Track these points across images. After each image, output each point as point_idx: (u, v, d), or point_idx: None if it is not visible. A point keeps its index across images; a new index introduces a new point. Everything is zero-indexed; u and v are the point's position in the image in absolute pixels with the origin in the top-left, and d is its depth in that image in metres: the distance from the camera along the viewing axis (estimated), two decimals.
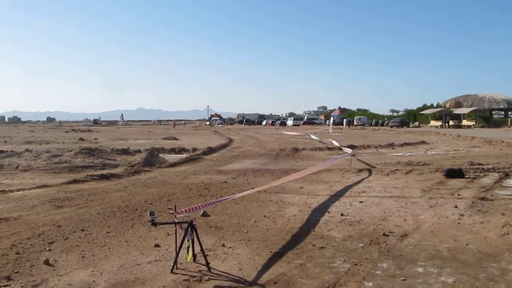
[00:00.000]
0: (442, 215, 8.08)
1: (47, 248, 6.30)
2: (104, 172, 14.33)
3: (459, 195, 9.99)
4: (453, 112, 65.53)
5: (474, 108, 65.94)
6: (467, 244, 6.31)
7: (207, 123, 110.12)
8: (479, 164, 15.06)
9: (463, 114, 64.45)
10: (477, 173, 13.10)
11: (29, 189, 11.40)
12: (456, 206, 8.72)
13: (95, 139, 35.20)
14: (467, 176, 12.51)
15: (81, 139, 33.82)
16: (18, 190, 11.28)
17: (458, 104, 70.79)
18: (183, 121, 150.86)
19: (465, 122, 61.92)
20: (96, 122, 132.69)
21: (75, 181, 12.60)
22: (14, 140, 33.75)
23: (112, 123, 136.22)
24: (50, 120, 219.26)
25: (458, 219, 7.76)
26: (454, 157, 18.72)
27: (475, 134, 33.09)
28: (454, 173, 12.51)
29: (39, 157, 17.32)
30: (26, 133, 50.14)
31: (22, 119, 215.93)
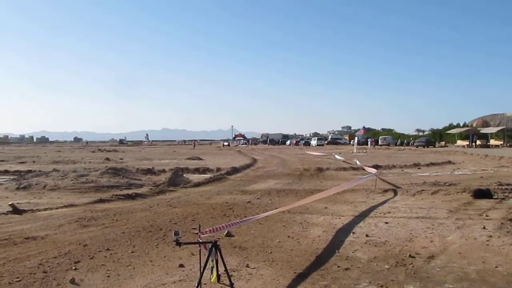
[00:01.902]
0: (470, 237, 7.92)
1: (73, 267, 6.37)
2: (130, 191, 14.48)
3: (487, 216, 9.77)
4: (480, 131, 64.47)
5: (502, 128, 64.71)
6: (496, 267, 6.16)
7: (225, 143, 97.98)
8: (508, 185, 14.73)
9: (491, 133, 63.38)
10: (506, 194, 12.81)
11: (56, 208, 11.58)
12: (484, 227, 8.54)
13: (121, 159, 35.62)
14: (496, 197, 12.26)
15: (107, 159, 34.28)
16: (45, 209, 11.48)
17: (485, 124, 69.67)
18: (210, 141, 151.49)
19: (492, 142, 60.82)
20: (122, 142, 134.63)
21: (101, 201, 12.76)
22: (42, 160, 34.40)
23: (137, 143, 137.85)
24: (77, 140, 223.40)
25: (487, 241, 7.59)
26: (481, 177, 18.41)
27: (503, 154, 32.47)
28: (482, 194, 12.26)
29: (66, 177, 17.59)
30: (54, 153, 51.06)
31: (50, 139, 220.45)
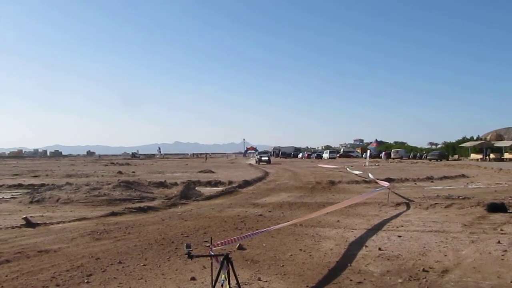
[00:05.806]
0: (485, 251, 7.82)
1: (86, 281, 6.39)
2: (142, 205, 14.54)
3: (502, 230, 9.66)
4: (494, 145, 63.86)
5: None
6: (511, 282, 6.07)
7: (264, 157, 68.03)
8: None
9: (505, 147, 62.68)
10: None
11: (69, 222, 11.66)
12: (499, 242, 8.43)
13: (133, 172, 35.80)
14: (510, 211, 12.12)
15: (120, 172, 34.47)
16: (58, 222, 11.56)
17: (499, 137, 68.99)
18: (226, 154, 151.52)
19: (507, 155, 60.10)
20: (134, 155, 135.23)
21: (113, 214, 12.82)
22: (55, 173, 34.67)
23: (150, 156, 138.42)
24: (90, 153, 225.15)
25: (502, 255, 7.49)
26: (496, 191, 18.22)
27: None
28: (496, 208, 12.14)
29: (79, 190, 17.69)
30: (67, 166, 51.48)
31: (63, 153, 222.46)
